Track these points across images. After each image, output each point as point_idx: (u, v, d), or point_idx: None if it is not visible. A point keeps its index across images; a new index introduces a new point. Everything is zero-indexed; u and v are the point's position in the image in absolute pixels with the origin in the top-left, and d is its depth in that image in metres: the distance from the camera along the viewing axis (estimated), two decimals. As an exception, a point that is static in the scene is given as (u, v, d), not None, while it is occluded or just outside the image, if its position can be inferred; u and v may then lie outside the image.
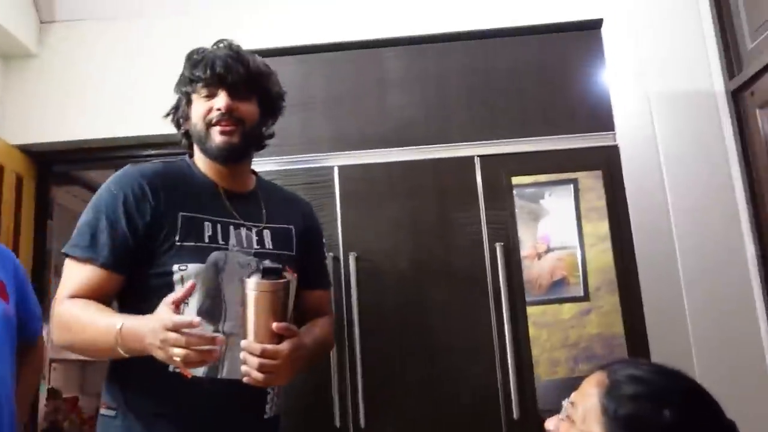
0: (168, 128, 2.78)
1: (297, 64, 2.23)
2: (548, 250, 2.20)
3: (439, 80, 2.17)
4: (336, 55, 2.22)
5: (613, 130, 2.11)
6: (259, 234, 1.42)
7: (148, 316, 1.17)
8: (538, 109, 2.14)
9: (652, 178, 2.59)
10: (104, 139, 2.87)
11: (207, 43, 2.68)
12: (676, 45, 2.71)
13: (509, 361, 1.94)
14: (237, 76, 1.39)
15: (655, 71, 2.68)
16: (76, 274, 1.30)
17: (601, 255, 2.27)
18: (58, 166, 3.08)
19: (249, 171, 1.53)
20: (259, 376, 1.20)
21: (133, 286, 1.34)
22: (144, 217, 1.31)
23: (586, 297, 2.25)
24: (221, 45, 1.45)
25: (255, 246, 1.40)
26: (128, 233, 1.30)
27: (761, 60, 2.38)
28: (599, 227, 2.26)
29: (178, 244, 1.31)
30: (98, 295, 1.28)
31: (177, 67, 2.76)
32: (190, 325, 1.11)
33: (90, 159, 3.01)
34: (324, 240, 1.66)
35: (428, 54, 2.20)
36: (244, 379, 1.22)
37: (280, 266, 1.28)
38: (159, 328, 1.12)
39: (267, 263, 1.30)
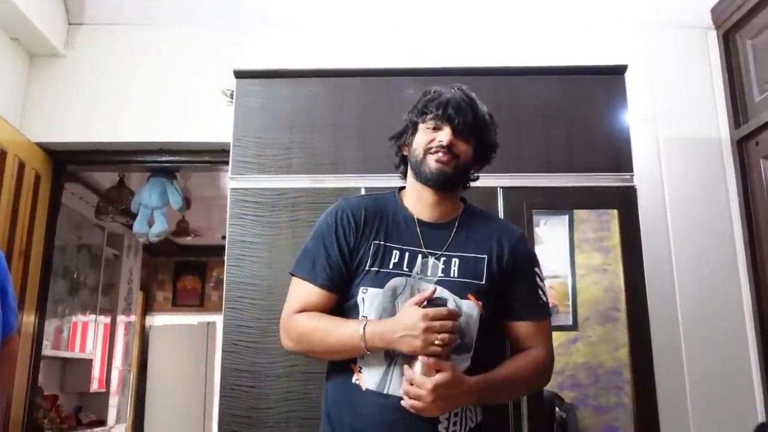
0: (185, 136, 2.90)
1: (329, 86, 2.30)
2: (540, 278, 2.26)
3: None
4: (369, 80, 2.30)
5: (632, 171, 2.20)
6: (446, 262, 1.51)
7: (393, 318, 1.41)
8: (561, 147, 2.23)
9: (656, 220, 2.69)
10: (123, 143, 2.91)
11: (227, 53, 2.81)
12: (688, 93, 2.84)
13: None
14: (463, 119, 1.52)
15: (667, 117, 2.80)
16: (300, 291, 1.53)
17: (592, 286, 2.34)
18: (72, 166, 3.10)
19: (451, 203, 1.60)
20: (407, 401, 1.36)
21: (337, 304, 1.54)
22: (350, 244, 1.52)
23: (574, 326, 2.33)
24: (457, 89, 1.58)
25: (439, 274, 1.49)
26: (340, 258, 1.51)
27: (768, 113, 2.51)
28: (591, 258, 2.33)
29: (368, 269, 1.49)
30: (317, 310, 1.50)
31: (199, 75, 2.86)
32: (447, 312, 1.36)
33: (107, 161, 3.03)
34: (538, 269, 1.60)
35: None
36: (401, 402, 1.37)
37: (445, 299, 1.43)
38: (419, 321, 1.34)
39: (436, 294, 1.42)
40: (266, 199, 2.18)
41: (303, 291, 1.52)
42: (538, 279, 1.60)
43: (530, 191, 2.19)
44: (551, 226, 2.35)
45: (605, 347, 2.26)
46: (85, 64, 2.94)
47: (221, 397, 2.05)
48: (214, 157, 2.90)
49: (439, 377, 1.33)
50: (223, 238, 2.20)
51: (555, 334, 2.25)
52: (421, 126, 1.57)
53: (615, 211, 2.21)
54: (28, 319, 2.79)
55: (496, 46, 2.85)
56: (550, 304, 2.31)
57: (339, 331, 1.45)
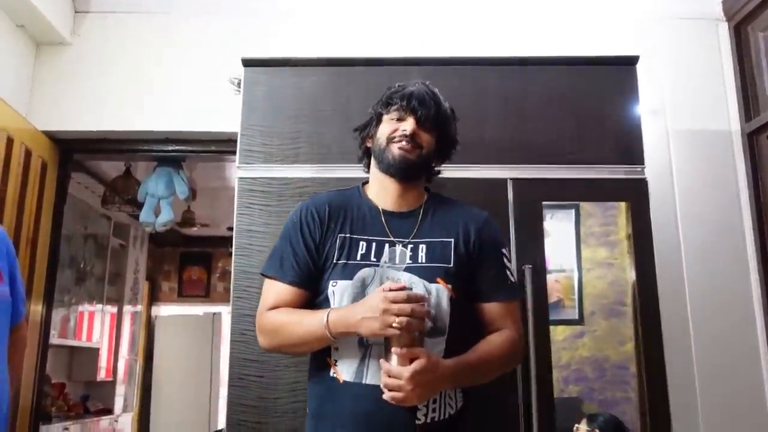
0: (192, 126, 2.89)
1: (337, 75, 2.29)
2: (546, 272, 2.19)
3: (476, 102, 2.23)
4: (377, 70, 2.27)
5: (643, 163, 2.18)
6: (414, 249, 1.54)
7: (357, 302, 1.43)
8: (572, 138, 2.20)
9: (666, 213, 2.67)
10: (130, 132, 2.90)
11: (234, 44, 2.79)
12: (698, 86, 2.82)
13: (532, 380, 2.00)
14: (426, 111, 1.58)
15: (677, 110, 2.78)
16: (271, 289, 1.57)
17: (597, 281, 2.32)
18: (78, 155, 3.10)
19: (415, 193, 1.64)
20: (387, 393, 1.37)
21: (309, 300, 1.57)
22: (315, 239, 1.56)
23: (580, 320, 2.31)
24: (421, 84, 1.64)
25: (407, 261, 1.52)
26: (306, 254, 1.55)
27: (780, 105, 2.49)
28: (597, 253, 2.32)
29: (335, 262, 1.53)
30: (289, 306, 1.53)
31: (206, 65, 2.85)
32: (407, 296, 1.36)
33: (113, 150, 3.02)
34: (505, 250, 1.63)
35: (465, 75, 2.26)
36: (383, 396, 1.38)
37: (412, 285, 1.45)
38: (380, 302, 1.35)
39: (405, 282, 1.44)
40: (273, 188, 2.17)
41: (274, 289, 1.56)
42: (505, 260, 1.62)
43: (540, 182, 2.16)
44: (557, 220, 2.33)
45: (611, 341, 2.26)
46: (92, 52, 2.93)
47: (230, 386, 2.04)
48: (221, 146, 2.89)
49: (415, 365, 1.34)
50: (229, 229, 2.19)
51: (561, 328, 2.28)
52: (385, 117, 1.62)
53: (621, 206, 2.20)
54: (36, 308, 2.80)
55: (505, 36, 2.83)
56: (557, 298, 2.34)
57: (305, 322, 1.48)
